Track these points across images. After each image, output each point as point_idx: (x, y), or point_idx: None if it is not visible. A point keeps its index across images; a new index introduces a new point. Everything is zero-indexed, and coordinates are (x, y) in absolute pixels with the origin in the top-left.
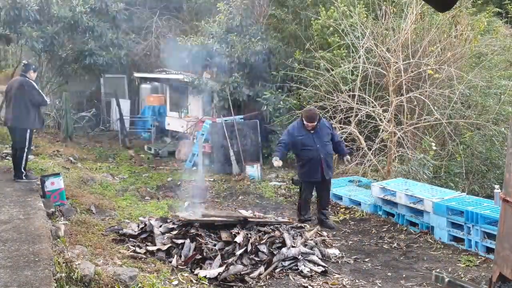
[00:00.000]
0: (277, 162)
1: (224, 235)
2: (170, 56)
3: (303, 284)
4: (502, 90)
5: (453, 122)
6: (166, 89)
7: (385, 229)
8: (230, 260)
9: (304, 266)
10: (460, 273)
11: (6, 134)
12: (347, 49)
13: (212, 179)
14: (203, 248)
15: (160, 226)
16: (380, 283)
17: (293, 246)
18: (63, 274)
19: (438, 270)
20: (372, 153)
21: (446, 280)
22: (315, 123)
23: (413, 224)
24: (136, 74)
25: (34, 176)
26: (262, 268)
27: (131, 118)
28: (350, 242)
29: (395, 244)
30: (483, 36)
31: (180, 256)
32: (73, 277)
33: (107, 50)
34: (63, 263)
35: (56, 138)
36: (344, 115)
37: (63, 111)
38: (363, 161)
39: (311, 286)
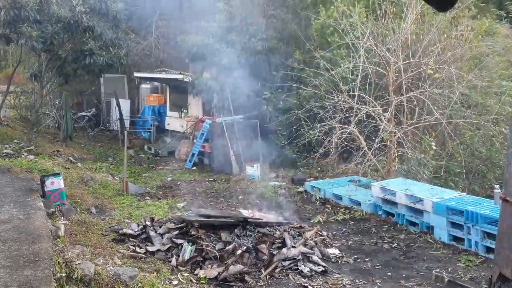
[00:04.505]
0: None
1: (224, 236)
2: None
3: (303, 283)
4: (503, 90)
5: (453, 122)
6: (166, 89)
7: (385, 229)
8: (230, 261)
9: (304, 266)
10: (460, 273)
11: (6, 134)
12: (347, 48)
13: (212, 179)
14: (203, 248)
15: (160, 227)
16: (380, 283)
17: (293, 246)
18: (63, 274)
19: (438, 270)
20: (372, 153)
21: (446, 279)
22: None
23: (413, 224)
24: (136, 74)
25: None
26: (262, 268)
27: (131, 118)
28: (350, 242)
29: (395, 244)
30: (484, 37)
31: (178, 256)
32: (73, 277)
33: (107, 50)
34: (63, 263)
35: (56, 138)
36: (344, 115)
37: (63, 111)
38: (363, 161)
39: (311, 286)
